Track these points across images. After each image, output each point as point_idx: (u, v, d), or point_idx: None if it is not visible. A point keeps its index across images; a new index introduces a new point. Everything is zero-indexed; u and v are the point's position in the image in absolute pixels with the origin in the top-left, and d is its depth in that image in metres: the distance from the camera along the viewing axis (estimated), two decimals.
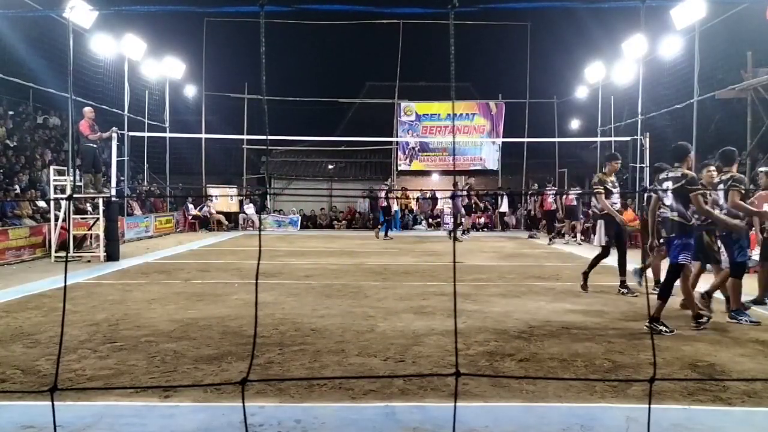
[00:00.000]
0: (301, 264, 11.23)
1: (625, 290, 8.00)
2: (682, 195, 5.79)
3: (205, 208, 21.11)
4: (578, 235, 17.20)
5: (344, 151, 25.10)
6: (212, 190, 22.38)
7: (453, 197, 17.35)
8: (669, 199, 5.94)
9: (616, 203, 8.32)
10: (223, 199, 22.30)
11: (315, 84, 29.93)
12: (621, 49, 18.36)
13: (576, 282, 9.11)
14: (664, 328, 5.67)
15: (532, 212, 20.56)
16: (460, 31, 21.37)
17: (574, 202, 17.93)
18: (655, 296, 6.18)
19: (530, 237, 17.37)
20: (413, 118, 24.14)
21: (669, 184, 6.04)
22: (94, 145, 12.31)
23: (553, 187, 19.38)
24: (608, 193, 8.07)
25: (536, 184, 20.36)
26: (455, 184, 19.09)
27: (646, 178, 14.46)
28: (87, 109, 12.53)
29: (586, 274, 8.25)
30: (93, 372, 4.42)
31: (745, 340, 5.54)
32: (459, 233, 17.64)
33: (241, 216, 22.29)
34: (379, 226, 18.32)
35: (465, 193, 18.34)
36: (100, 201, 12.07)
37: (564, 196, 17.90)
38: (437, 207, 23.83)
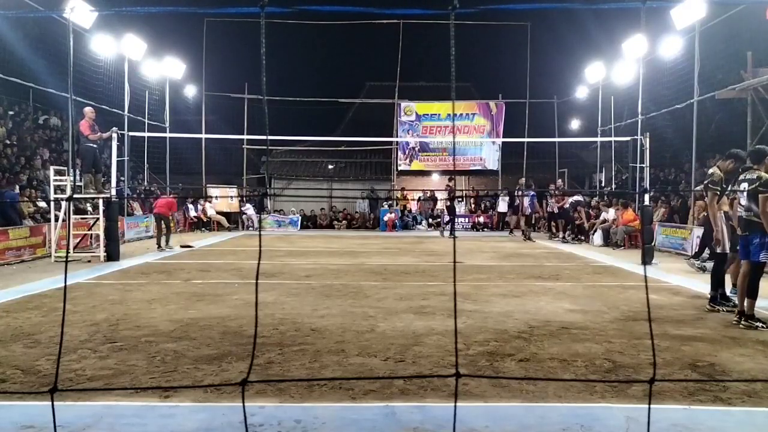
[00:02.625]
0: (301, 264, 11.23)
1: (724, 307, 6.80)
2: (755, 196, 6.07)
3: (199, 208, 21.07)
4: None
5: (344, 151, 25.12)
6: (212, 190, 22.40)
7: (525, 196, 17.68)
8: (744, 199, 6.21)
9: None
10: (223, 199, 22.32)
11: (315, 84, 29.99)
12: (621, 49, 18.36)
13: (576, 282, 9.13)
14: (760, 324, 5.92)
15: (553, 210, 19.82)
16: (461, 31, 21.37)
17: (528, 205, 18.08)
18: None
19: (564, 241, 17.17)
20: (413, 118, 24.15)
21: (746, 185, 6.28)
22: (94, 145, 12.31)
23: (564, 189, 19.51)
24: (721, 195, 6.90)
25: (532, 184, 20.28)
26: (526, 185, 19.17)
27: (646, 178, 14.45)
28: (87, 109, 12.55)
29: (714, 299, 6.98)
30: (93, 372, 4.41)
31: (745, 340, 5.54)
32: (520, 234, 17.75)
33: (244, 216, 22.31)
34: (444, 226, 19.31)
35: (520, 193, 18.52)
36: (100, 201, 12.08)
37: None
38: (437, 207, 23.85)
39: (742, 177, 6.50)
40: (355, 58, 35.93)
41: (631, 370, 4.53)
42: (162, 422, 3.49)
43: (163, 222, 13.96)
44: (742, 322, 6.04)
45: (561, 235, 17.80)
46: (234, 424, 3.43)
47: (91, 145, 12.24)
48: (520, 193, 18.67)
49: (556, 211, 18.17)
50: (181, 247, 14.16)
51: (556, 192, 19.06)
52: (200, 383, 4.21)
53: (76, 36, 14.07)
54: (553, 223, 18.69)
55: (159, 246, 13.70)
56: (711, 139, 17.27)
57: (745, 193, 6.19)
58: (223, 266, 10.87)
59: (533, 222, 18.58)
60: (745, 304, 6.15)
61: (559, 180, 22.73)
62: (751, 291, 6.14)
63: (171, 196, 16.20)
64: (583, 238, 17.09)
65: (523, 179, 19.75)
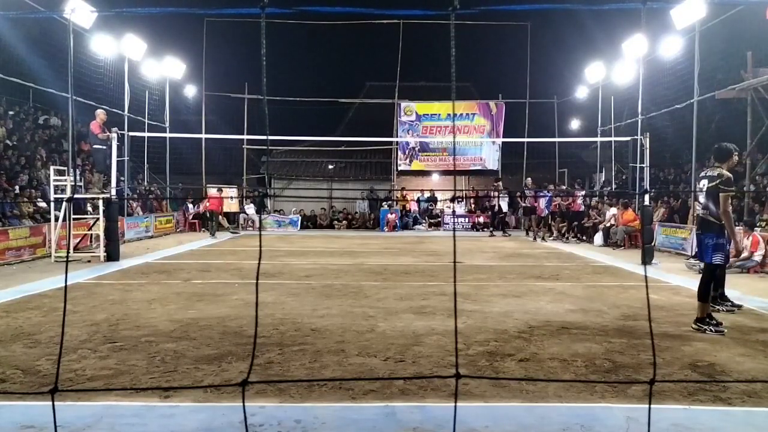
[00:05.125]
0: (301, 264, 11.23)
1: (723, 307, 6.74)
2: (713, 194, 5.87)
3: (202, 208, 21.11)
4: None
5: (344, 151, 25.10)
6: (212, 190, 22.39)
7: (540, 197, 17.67)
8: (703, 197, 6.05)
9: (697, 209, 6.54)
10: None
11: (315, 84, 29.98)
12: (621, 49, 18.36)
13: (576, 282, 9.13)
14: (709, 328, 5.70)
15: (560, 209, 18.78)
16: (461, 31, 21.37)
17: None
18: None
19: (566, 241, 17.23)
20: (413, 118, 24.13)
21: (705, 182, 6.10)
22: (104, 146, 12.51)
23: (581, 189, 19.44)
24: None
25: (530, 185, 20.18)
26: (544, 186, 19.12)
27: (646, 178, 14.44)
28: (99, 111, 13.01)
29: (714, 299, 6.58)
30: (93, 372, 4.41)
31: (745, 339, 5.54)
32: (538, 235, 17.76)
33: (241, 216, 22.30)
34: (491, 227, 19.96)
35: (533, 193, 18.57)
36: (100, 201, 12.11)
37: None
38: (437, 207, 23.85)
39: (702, 174, 6.34)
40: (355, 58, 36.02)
41: (631, 370, 4.53)
42: (162, 422, 3.49)
43: (213, 216, 18.56)
44: (692, 325, 5.83)
45: (555, 234, 17.83)
46: (234, 424, 3.43)
47: (101, 146, 12.54)
48: (519, 193, 18.64)
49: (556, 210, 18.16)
50: (231, 232, 19.44)
51: (565, 190, 19.03)
52: (200, 383, 4.21)
53: (76, 36, 14.07)
54: (552, 223, 18.67)
55: (212, 234, 17.77)
56: (711, 139, 17.18)
57: (704, 191, 6.02)
58: (223, 266, 10.87)
59: (549, 223, 18.55)
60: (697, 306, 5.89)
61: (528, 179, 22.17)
62: (701, 294, 5.86)
63: (218, 195, 19.62)
64: (584, 237, 17.08)
65: (529, 179, 19.81)
